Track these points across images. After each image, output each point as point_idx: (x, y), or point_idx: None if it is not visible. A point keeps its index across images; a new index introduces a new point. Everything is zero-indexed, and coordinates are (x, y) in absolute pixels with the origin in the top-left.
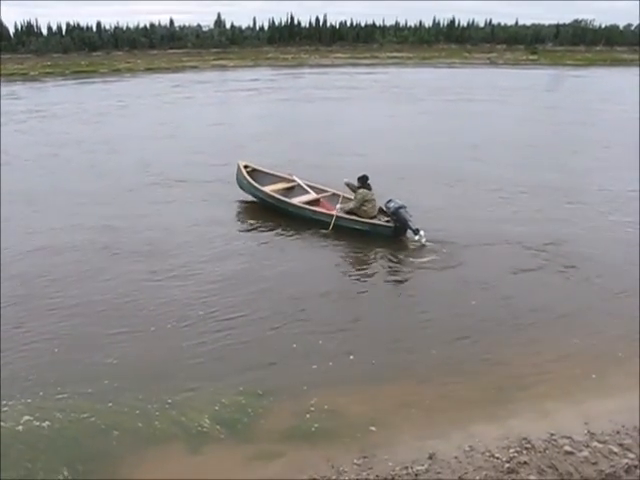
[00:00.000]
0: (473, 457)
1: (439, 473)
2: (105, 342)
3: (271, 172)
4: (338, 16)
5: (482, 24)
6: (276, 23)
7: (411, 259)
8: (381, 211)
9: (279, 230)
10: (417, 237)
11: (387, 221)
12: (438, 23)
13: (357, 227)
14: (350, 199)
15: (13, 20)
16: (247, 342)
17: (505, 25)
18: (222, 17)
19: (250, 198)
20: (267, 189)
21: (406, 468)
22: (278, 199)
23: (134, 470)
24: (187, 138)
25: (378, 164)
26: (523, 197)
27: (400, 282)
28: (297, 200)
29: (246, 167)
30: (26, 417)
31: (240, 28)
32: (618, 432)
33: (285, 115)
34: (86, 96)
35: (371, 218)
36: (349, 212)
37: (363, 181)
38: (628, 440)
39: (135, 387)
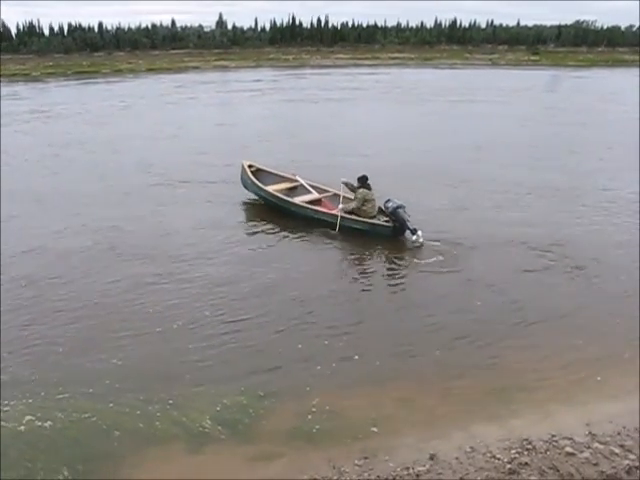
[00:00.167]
0: (474, 458)
1: (440, 474)
2: (110, 343)
3: (275, 172)
4: (339, 16)
5: (484, 25)
6: (277, 24)
7: (416, 260)
8: (381, 211)
9: (283, 231)
10: (415, 237)
11: (386, 221)
12: (440, 24)
13: (357, 227)
14: (350, 199)
15: (15, 20)
16: (252, 343)
17: (507, 26)
18: (224, 18)
19: (254, 198)
20: (270, 189)
21: (407, 469)
22: (281, 198)
23: (135, 470)
24: (191, 138)
25: (382, 165)
26: (528, 198)
27: (405, 283)
28: (299, 200)
29: (250, 167)
30: (28, 417)
31: (242, 29)
32: (619, 433)
33: (289, 116)
34: (89, 96)
35: (371, 218)
36: (350, 212)
37: (363, 181)
38: (629, 441)
39: (137, 387)
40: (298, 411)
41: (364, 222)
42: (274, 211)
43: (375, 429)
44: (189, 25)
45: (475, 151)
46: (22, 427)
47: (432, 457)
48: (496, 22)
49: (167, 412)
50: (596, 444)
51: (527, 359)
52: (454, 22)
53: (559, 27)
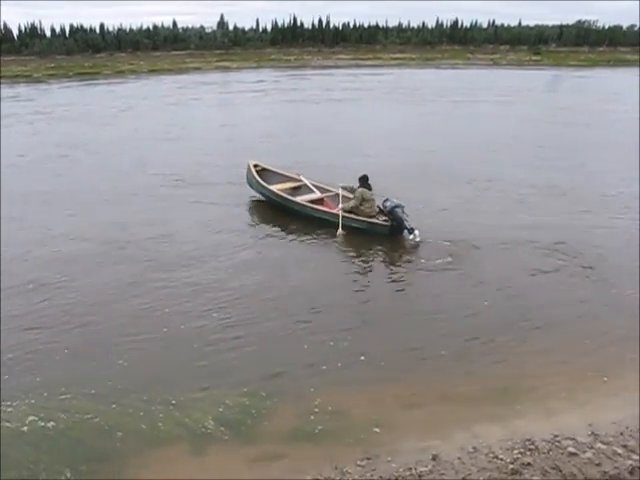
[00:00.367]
0: (477, 458)
1: (443, 474)
2: (115, 344)
3: (279, 172)
4: (340, 17)
5: (485, 25)
6: (279, 24)
7: (422, 260)
8: (381, 211)
9: (288, 230)
10: (412, 236)
11: (385, 220)
12: (441, 24)
13: (356, 225)
14: (350, 198)
15: (16, 21)
16: (257, 344)
17: (508, 26)
18: (225, 18)
19: (259, 197)
20: (274, 188)
21: (409, 469)
22: (283, 198)
23: (138, 471)
24: (195, 139)
25: (386, 164)
26: (534, 198)
27: (411, 283)
28: (302, 199)
29: (256, 166)
30: (31, 417)
31: (243, 29)
32: (622, 434)
33: (292, 116)
34: (92, 98)
35: (370, 217)
36: (349, 211)
37: (363, 181)
38: (632, 442)
39: (140, 388)
40: (300, 411)
41: (363, 221)
42: (278, 210)
43: (377, 429)
44: (190, 26)
45: (479, 151)
46: (25, 427)
47: (434, 457)
48: (497, 22)
49: (170, 413)
50: (599, 444)
51: (531, 359)
52: (455, 22)
53: (561, 27)
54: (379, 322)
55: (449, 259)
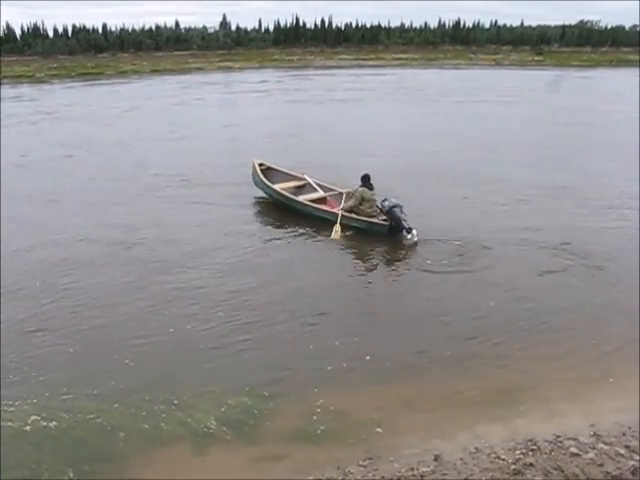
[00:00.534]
0: (479, 458)
1: (445, 474)
2: (122, 344)
3: (284, 170)
4: (342, 17)
5: (487, 25)
6: (281, 24)
7: (429, 261)
8: (381, 211)
9: (293, 231)
10: (409, 236)
11: (384, 220)
12: (444, 24)
13: (355, 225)
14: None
15: (17, 21)
16: (262, 344)
17: (511, 26)
18: (227, 19)
19: (264, 196)
20: (277, 187)
21: (412, 469)
22: (286, 197)
23: (140, 471)
24: (200, 139)
25: (390, 165)
26: (540, 198)
27: (418, 283)
28: (305, 198)
29: (261, 165)
30: (33, 417)
31: (245, 30)
32: (624, 434)
33: (295, 116)
34: (95, 98)
35: (370, 217)
36: (349, 210)
37: (365, 181)
38: (634, 442)
39: (143, 388)
40: (303, 412)
41: (362, 220)
42: (282, 210)
43: (379, 430)
44: (193, 26)
45: (483, 151)
46: (27, 427)
47: (436, 458)
48: (500, 22)
49: (172, 413)
50: (601, 445)
51: (535, 360)
52: (458, 22)
53: (563, 27)
54: (385, 323)
55: (456, 259)
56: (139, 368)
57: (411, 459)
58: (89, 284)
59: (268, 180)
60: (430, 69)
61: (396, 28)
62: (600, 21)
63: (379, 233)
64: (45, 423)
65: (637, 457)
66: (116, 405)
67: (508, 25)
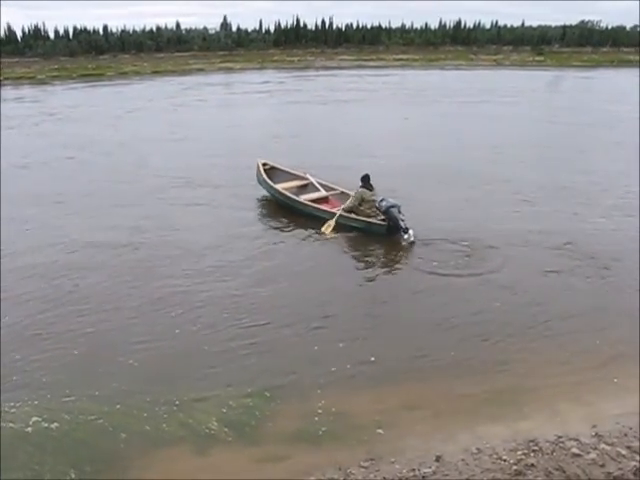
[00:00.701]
0: (480, 459)
1: (446, 475)
2: (126, 346)
3: (287, 170)
4: (342, 17)
5: (488, 26)
6: (282, 25)
7: (435, 262)
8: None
9: (297, 232)
10: (406, 236)
11: (383, 220)
12: (444, 25)
13: (354, 224)
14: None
15: (17, 22)
16: (269, 347)
17: (511, 26)
18: (228, 20)
19: (268, 196)
20: (279, 186)
21: (413, 470)
22: (287, 196)
23: (142, 472)
24: (204, 140)
25: (394, 165)
26: (545, 199)
27: (423, 284)
28: (307, 197)
29: (264, 165)
30: (35, 418)
31: (246, 30)
32: (626, 435)
33: (299, 117)
34: (97, 99)
35: (369, 217)
36: (349, 210)
37: (365, 181)
38: (636, 442)
39: (144, 389)
40: (304, 412)
41: (361, 220)
42: (285, 209)
43: (381, 431)
44: (194, 27)
45: (487, 152)
46: (29, 428)
47: (438, 458)
48: (500, 23)
49: (174, 414)
50: (603, 445)
51: (538, 360)
52: (458, 23)
53: (564, 27)
54: (390, 324)
55: (460, 260)
56: (142, 369)
57: (412, 460)
58: (95, 286)
59: (272, 179)
60: (431, 70)
61: (397, 29)
62: (601, 21)
63: (377, 233)
64: (47, 424)
65: (639, 458)
66: (118, 406)
67: (509, 25)
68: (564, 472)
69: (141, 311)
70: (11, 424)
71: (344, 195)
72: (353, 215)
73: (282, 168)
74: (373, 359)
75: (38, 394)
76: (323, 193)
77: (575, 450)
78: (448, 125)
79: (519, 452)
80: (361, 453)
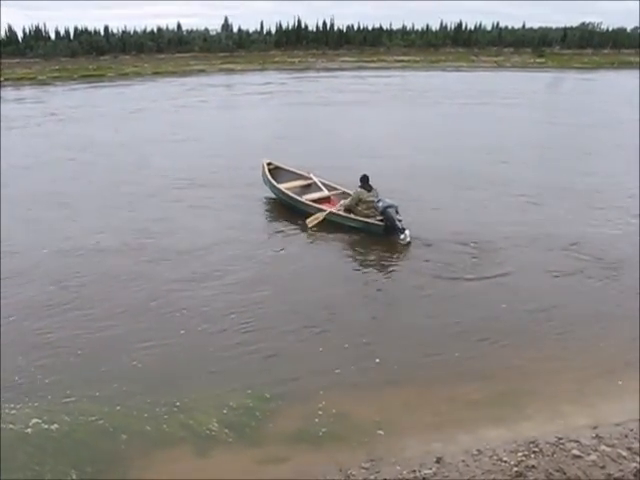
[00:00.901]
0: (481, 461)
1: (447, 476)
2: (129, 345)
3: (291, 170)
4: (343, 19)
5: (489, 27)
6: (283, 26)
7: (439, 263)
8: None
9: (301, 233)
10: (402, 236)
11: (380, 220)
12: (445, 26)
13: (351, 224)
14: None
15: (17, 23)
16: (274, 348)
17: (512, 28)
18: (229, 21)
19: (270, 195)
20: (282, 186)
21: (413, 472)
22: (289, 196)
23: (142, 472)
24: (207, 141)
25: (398, 166)
26: (549, 199)
27: (429, 285)
28: (309, 197)
29: (269, 165)
30: (35, 420)
31: (247, 32)
32: (626, 436)
33: (302, 118)
34: (99, 100)
35: (367, 217)
36: (347, 210)
37: (364, 181)
38: (637, 444)
39: (145, 390)
40: (305, 414)
41: (357, 220)
42: (289, 210)
43: (381, 432)
44: (194, 28)
45: (490, 153)
46: (29, 429)
47: (438, 460)
48: (501, 24)
49: (174, 415)
50: (603, 447)
51: (540, 361)
52: (459, 24)
53: (564, 29)
54: (396, 325)
55: (466, 262)
56: (142, 370)
57: (413, 461)
58: (96, 288)
59: (276, 179)
60: (432, 71)
61: (398, 30)
62: (601, 23)
63: (375, 233)
64: (47, 425)
65: (639, 459)
66: (118, 407)
67: (510, 27)
68: (564, 474)
69: (142, 312)
70: (11, 425)
71: (346, 195)
72: (352, 215)
73: (286, 168)
74: (378, 361)
75: (38, 395)
76: (325, 193)
77: (576, 452)
78: (451, 126)
79: (520, 453)
80: (362, 454)
